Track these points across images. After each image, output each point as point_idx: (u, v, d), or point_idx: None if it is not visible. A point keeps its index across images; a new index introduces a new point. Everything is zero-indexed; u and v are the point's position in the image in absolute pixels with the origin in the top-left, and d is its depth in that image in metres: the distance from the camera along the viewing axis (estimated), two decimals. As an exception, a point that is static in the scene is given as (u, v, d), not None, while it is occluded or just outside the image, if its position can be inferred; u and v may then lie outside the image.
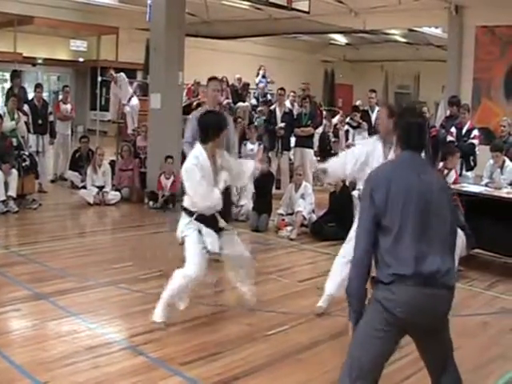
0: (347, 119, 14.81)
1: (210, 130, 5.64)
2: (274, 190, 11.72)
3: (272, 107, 14.20)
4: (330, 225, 9.57)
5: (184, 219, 5.73)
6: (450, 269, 3.42)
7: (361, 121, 12.98)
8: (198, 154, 5.62)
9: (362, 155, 5.90)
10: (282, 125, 13.23)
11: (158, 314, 5.66)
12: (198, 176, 5.51)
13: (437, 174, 3.90)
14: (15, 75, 13.79)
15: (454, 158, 9.64)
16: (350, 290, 3.50)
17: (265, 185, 10.50)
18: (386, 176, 3.54)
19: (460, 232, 7.52)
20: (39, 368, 4.72)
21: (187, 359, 5.04)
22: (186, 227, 5.68)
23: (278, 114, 13.54)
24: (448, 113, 12.55)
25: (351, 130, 13.28)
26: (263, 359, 5.14)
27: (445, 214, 3.51)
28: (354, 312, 3.50)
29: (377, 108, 12.85)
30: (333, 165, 6.29)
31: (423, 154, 3.68)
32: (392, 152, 5.38)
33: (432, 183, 3.52)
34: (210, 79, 8.02)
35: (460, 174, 10.66)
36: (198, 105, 16.08)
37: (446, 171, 9.86)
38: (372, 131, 12.29)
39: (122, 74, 15.36)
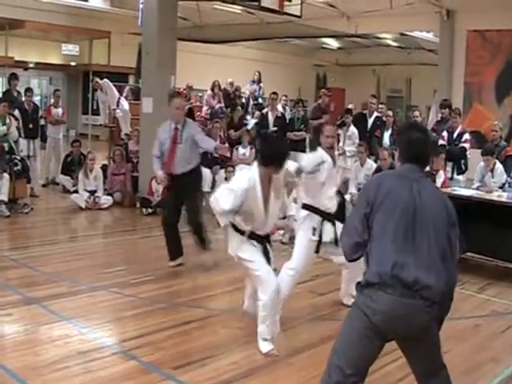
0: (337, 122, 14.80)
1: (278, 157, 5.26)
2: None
3: (264, 111, 14.22)
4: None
5: None
6: (431, 284, 3.37)
7: (346, 119, 12.89)
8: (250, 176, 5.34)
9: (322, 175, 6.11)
10: (274, 129, 13.26)
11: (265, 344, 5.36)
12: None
13: (438, 190, 3.93)
14: (13, 78, 13.75)
15: (439, 159, 9.72)
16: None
17: None
18: (378, 182, 3.64)
19: None
20: (31, 373, 4.71)
21: (179, 363, 5.04)
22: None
23: (271, 118, 13.57)
24: (439, 116, 12.60)
25: (341, 133, 13.26)
26: (255, 363, 5.15)
27: (439, 229, 3.51)
28: None
29: (375, 114, 12.87)
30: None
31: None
32: None
33: (426, 198, 3.53)
34: (172, 96, 8.21)
35: (451, 178, 10.70)
36: (190, 109, 16.13)
37: (434, 172, 9.93)
38: (367, 136, 12.32)
39: (106, 79, 15.35)
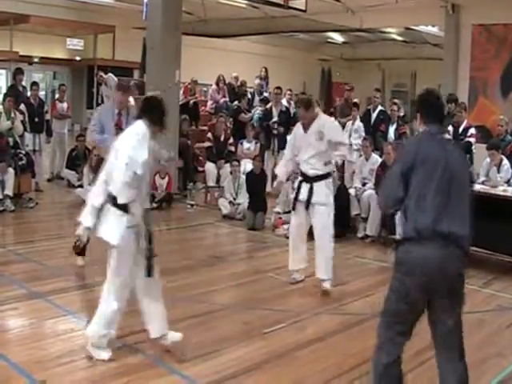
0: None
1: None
2: (269, 188, 11.74)
3: (268, 106, 14.21)
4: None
5: None
6: (465, 234, 3.81)
7: (353, 112, 12.94)
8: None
9: (292, 139, 7.49)
10: (276, 119, 13.27)
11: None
12: None
13: (460, 150, 4.39)
14: (18, 72, 13.75)
15: None
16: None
17: (257, 183, 10.55)
18: (417, 145, 4.03)
19: None
20: (36, 367, 4.73)
21: (184, 357, 5.04)
22: None
23: (275, 113, 13.56)
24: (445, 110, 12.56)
25: (347, 126, 13.24)
26: (260, 357, 5.15)
27: (465, 187, 3.93)
28: None
29: (379, 108, 12.87)
30: (278, 169, 7.80)
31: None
32: None
33: (456, 157, 3.98)
34: (128, 87, 8.16)
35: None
36: (195, 103, 16.13)
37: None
38: (371, 131, 12.32)
39: (111, 74, 15.32)
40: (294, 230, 7.41)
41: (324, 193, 7.04)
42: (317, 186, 7.04)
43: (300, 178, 7.25)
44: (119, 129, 7.55)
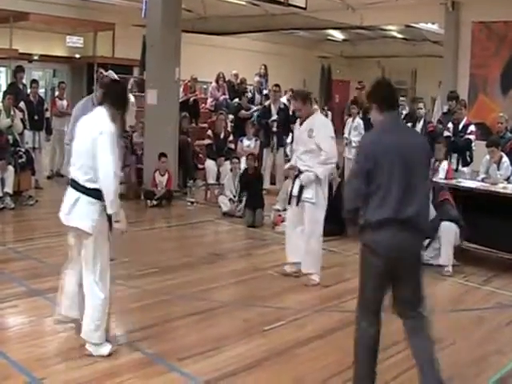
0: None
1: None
2: (268, 186, 11.77)
3: (266, 103, 14.21)
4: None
5: None
6: (421, 218, 4.20)
7: (353, 110, 12.98)
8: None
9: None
10: (275, 117, 13.27)
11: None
12: None
13: (416, 133, 4.73)
14: (19, 70, 13.73)
15: (438, 149, 9.80)
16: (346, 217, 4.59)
17: (251, 182, 10.53)
18: (373, 139, 4.31)
19: (452, 225, 7.78)
20: (35, 364, 4.73)
21: (184, 355, 5.04)
22: None
23: (273, 111, 13.55)
24: (446, 108, 12.57)
25: (347, 123, 13.23)
26: (260, 355, 5.15)
27: (424, 170, 4.30)
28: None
29: None
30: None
31: None
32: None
33: (412, 143, 4.27)
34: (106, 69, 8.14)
35: (456, 170, 10.69)
36: (195, 101, 16.12)
37: (436, 163, 9.92)
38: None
39: (111, 71, 15.28)
40: (288, 223, 7.61)
41: (313, 191, 7.08)
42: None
43: (296, 173, 7.33)
44: None
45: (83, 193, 4.85)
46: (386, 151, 4.12)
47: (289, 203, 7.47)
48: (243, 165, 11.86)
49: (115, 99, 5.08)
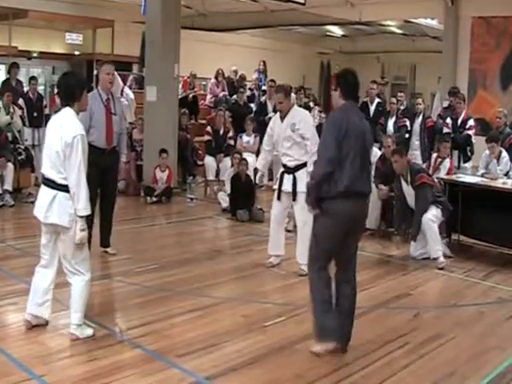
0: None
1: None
2: (266, 182, 11.74)
3: (262, 99, 14.18)
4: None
5: None
6: (368, 190, 5.20)
7: None
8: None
9: (270, 130, 7.70)
10: (271, 114, 13.25)
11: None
12: None
13: (366, 121, 5.31)
14: (14, 66, 13.72)
15: (444, 147, 10.12)
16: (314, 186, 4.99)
17: (242, 188, 10.51)
18: (342, 116, 4.96)
19: (433, 218, 8.04)
20: (36, 361, 4.73)
21: (184, 351, 5.04)
22: None
23: (270, 107, 13.53)
24: (446, 103, 12.56)
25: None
26: (260, 350, 5.15)
27: (369, 153, 5.17)
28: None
29: (376, 100, 12.79)
30: (258, 162, 8.11)
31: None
32: None
33: (366, 127, 5.12)
34: (104, 62, 8.20)
35: (458, 166, 10.72)
36: (194, 97, 16.11)
37: (439, 160, 9.96)
38: (369, 124, 12.27)
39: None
40: (273, 217, 7.70)
41: (305, 181, 7.08)
42: (298, 175, 7.24)
43: (282, 169, 7.46)
44: (110, 113, 7.58)
45: (60, 190, 5.00)
46: (352, 128, 4.87)
47: (278, 198, 7.53)
48: (250, 158, 11.70)
49: (68, 91, 5.25)
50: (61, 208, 4.98)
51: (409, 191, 8.30)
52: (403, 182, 8.36)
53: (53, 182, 5.01)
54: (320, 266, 5.10)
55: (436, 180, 8.95)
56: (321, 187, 4.90)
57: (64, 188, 4.97)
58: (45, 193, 5.08)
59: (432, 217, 8.01)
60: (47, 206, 5.02)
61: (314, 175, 5.06)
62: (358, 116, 5.07)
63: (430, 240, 7.98)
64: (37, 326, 5.36)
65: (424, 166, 10.59)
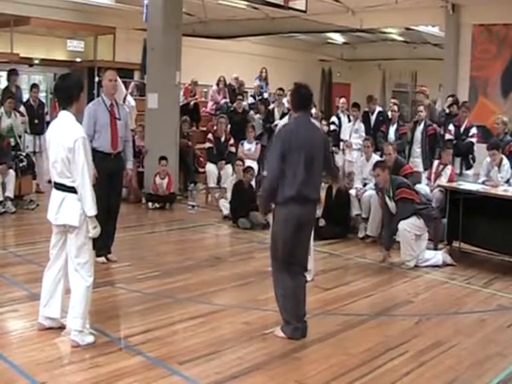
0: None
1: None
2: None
3: (270, 107, 14.20)
4: (320, 225, 9.47)
5: None
6: (317, 196, 5.65)
7: (354, 113, 13.02)
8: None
9: None
10: (278, 122, 13.26)
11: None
12: None
13: (317, 128, 5.91)
14: (13, 73, 13.74)
15: (447, 154, 10.20)
16: (264, 195, 5.62)
17: (243, 196, 10.52)
18: (290, 130, 5.56)
19: (406, 226, 8.17)
20: (37, 368, 4.72)
21: (185, 358, 5.04)
22: None
23: (277, 114, 13.55)
24: (447, 110, 12.58)
25: (348, 126, 13.20)
26: (261, 358, 5.15)
27: (321, 155, 5.53)
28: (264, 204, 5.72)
29: (378, 109, 12.91)
30: None
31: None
32: None
33: (315, 136, 5.58)
34: (107, 69, 8.37)
35: (460, 173, 10.74)
36: (196, 104, 16.14)
37: (441, 167, 9.98)
38: (371, 132, 12.33)
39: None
40: None
41: None
42: None
43: None
44: (114, 118, 7.63)
45: (69, 191, 5.14)
46: (298, 140, 5.36)
47: None
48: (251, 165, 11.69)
49: (67, 93, 5.27)
50: (70, 208, 5.14)
51: (391, 205, 8.37)
52: (386, 196, 8.43)
53: (62, 185, 5.19)
54: (279, 263, 5.59)
55: (435, 186, 9.02)
56: (270, 199, 5.52)
57: (73, 190, 5.13)
58: (55, 196, 5.25)
59: (406, 226, 8.13)
60: (57, 208, 5.19)
61: (263, 189, 5.76)
62: (307, 127, 5.55)
63: (401, 246, 8.21)
64: (43, 331, 5.39)
65: (426, 173, 10.63)
